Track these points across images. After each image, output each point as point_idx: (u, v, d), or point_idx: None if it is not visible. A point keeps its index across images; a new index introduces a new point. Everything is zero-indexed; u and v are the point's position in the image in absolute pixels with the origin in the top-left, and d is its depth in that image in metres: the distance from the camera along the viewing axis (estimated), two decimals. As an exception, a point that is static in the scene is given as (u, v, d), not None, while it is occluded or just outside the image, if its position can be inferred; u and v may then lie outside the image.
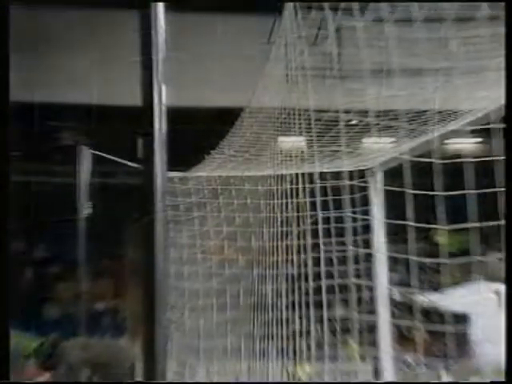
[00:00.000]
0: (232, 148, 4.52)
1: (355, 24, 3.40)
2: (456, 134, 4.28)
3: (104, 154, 6.39)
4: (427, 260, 3.43)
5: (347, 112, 3.33)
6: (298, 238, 4.13)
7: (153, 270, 2.03)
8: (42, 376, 9.20)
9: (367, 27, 3.46)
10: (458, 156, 3.62)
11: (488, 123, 3.50)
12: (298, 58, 3.50)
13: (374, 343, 5.26)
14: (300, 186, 3.87)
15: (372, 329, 5.14)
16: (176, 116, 2.48)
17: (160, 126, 2.03)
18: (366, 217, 4.61)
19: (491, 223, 3.00)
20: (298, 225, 4.19)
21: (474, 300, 5.61)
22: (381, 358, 5.16)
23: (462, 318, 5.74)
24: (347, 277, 4.20)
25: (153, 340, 2.05)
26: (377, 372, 5.97)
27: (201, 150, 5.18)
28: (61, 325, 14.10)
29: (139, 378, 2.61)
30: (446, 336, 3.73)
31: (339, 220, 4.11)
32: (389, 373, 4.99)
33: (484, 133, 3.80)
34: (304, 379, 6.64)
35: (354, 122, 3.79)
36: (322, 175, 3.85)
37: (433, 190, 3.13)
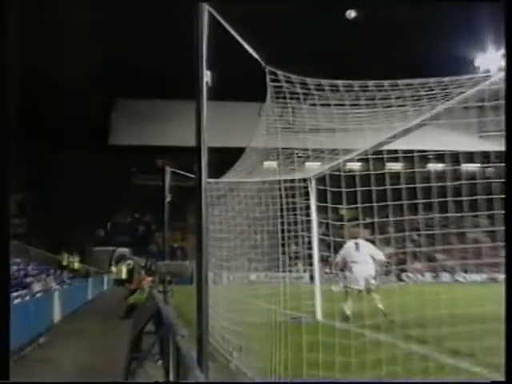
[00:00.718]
0: (240, 166, 8.06)
1: (302, 107, 6.77)
2: (351, 160, 8.01)
3: (178, 171, 11.91)
4: (336, 223, 6.95)
5: (302, 149, 6.70)
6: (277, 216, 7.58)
7: (200, 229, 4.07)
8: (147, 279, 14.60)
9: (307, 108, 6.82)
10: (352, 171, 7.10)
11: (367, 155, 7.06)
12: (272, 122, 6.79)
13: (310, 264, 9.04)
14: (275, 187, 7.34)
15: (310, 256, 8.89)
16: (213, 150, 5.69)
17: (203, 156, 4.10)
18: (306, 202, 8.32)
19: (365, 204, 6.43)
20: (276, 208, 7.60)
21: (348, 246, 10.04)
22: (314, 271, 9.14)
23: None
24: (297, 231, 7.83)
25: (201, 261, 4.02)
26: (312, 277, 10.15)
27: (225, 168, 8.98)
28: (155, 254, 32.34)
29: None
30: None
31: (294, 204, 7.67)
32: (317, 278, 8.99)
33: (363, 161, 7.42)
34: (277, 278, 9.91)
35: (300, 155, 7.16)
36: (286, 181, 7.39)
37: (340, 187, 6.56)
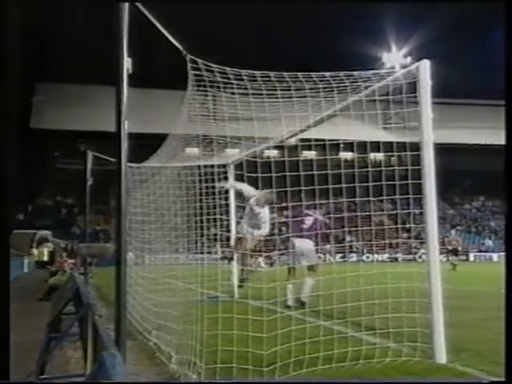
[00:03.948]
0: (162, 152, 7.90)
1: (221, 95, 6.74)
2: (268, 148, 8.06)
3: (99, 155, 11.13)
4: (254, 207, 7.01)
5: (222, 136, 6.67)
6: (196, 198, 7.53)
7: (120, 212, 3.95)
8: (68, 261, 13.97)
9: (226, 97, 6.79)
10: (268, 158, 7.16)
11: (282, 142, 7.14)
12: (193, 110, 6.73)
13: (228, 245, 9.03)
14: (196, 172, 7.28)
15: (228, 239, 8.89)
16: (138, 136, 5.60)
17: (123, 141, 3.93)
18: (223, 185, 8.33)
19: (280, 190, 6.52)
20: (196, 192, 7.53)
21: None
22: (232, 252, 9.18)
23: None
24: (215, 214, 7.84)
25: (120, 243, 3.89)
26: (226, 258, 10.04)
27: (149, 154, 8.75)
28: (78, 237, 32.15)
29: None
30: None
31: (214, 188, 7.65)
32: (234, 259, 9.06)
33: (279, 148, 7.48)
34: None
35: (220, 141, 7.15)
36: (207, 167, 7.33)
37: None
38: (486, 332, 7.36)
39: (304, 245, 9.64)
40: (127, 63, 4.01)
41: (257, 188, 6.12)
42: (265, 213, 9.26)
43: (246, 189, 9.13)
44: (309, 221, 9.81)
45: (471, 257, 49.22)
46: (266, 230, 9.47)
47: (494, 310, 9.30)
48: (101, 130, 39.09)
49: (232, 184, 9.24)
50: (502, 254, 51.43)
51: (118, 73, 3.95)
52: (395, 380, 4.92)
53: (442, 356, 5.61)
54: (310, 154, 6.67)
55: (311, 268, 9.67)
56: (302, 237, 9.43)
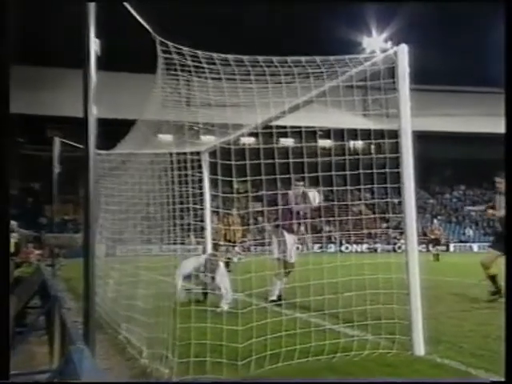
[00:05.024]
0: (132, 138, 7.85)
1: (193, 80, 6.70)
2: (242, 135, 8.07)
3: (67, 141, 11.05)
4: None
5: (195, 123, 6.63)
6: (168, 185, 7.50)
7: (88, 201, 3.91)
8: (35, 252, 13.67)
9: (199, 82, 6.76)
10: (243, 145, 7.16)
11: (257, 130, 7.14)
12: (164, 95, 6.65)
13: (202, 236, 9.04)
14: (168, 159, 7.23)
15: (202, 229, 8.89)
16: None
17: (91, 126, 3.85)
18: (199, 175, 8.28)
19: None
20: (169, 180, 7.49)
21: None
22: (206, 243, 9.14)
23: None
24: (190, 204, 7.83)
25: (88, 233, 3.93)
26: (204, 250, 10.03)
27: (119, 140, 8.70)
28: (45, 227, 31.92)
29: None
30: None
31: (187, 177, 7.62)
32: (209, 250, 8.99)
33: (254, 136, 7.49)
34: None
35: (193, 128, 7.10)
36: (180, 154, 7.29)
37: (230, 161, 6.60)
38: (465, 324, 7.50)
39: (291, 239, 9.53)
40: (95, 45, 3.96)
41: (231, 176, 6.09)
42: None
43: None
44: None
45: (451, 247, 50.02)
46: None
47: (474, 302, 9.52)
48: (68, 116, 38.61)
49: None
50: (483, 244, 52.46)
51: (85, 55, 3.90)
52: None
53: (420, 348, 5.71)
54: (286, 142, 6.68)
55: (291, 265, 9.51)
56: (291, 229, 9.33)
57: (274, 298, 9.10)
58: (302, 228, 9.41)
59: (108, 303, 7.63)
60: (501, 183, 10.02)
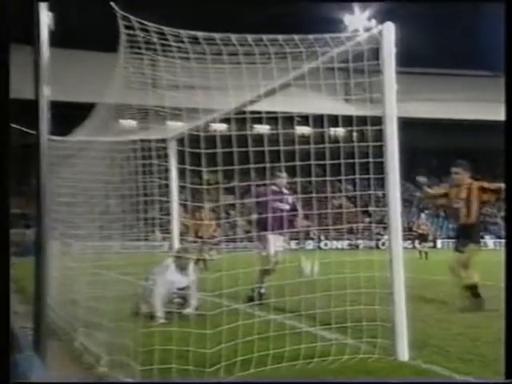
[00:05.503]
0: (91, 124, 7.75)
1: (159, 59, 6.62)
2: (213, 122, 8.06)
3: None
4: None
5: (161, 107, 6.56)
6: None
7: (39, 193, 4.35)
8: None
9: (165, 61, 6.67)
10: (214, 132, 7.12)
11: (229, 115, 7.12)
12: (127, 76, 6.55)
13: (168, 231, 9.04)
14: (131, 147, 7.17)
15: (168, 223, 8.87)
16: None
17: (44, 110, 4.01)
18: (165, 164, 8.24)
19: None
20: (132, 170, 7.43)
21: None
22: (173, 239, 9.12)
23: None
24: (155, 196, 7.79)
25: (40, 229, 4.60)
26: (170, 247, 9.93)
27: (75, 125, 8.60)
28: None
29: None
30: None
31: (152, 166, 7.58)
32: (176, 246, 9.05)
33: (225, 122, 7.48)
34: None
35: (162, 113, 7.00)
36: (144, 141, 7.24)
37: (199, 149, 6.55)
38: (453, 326, 7.58)
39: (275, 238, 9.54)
40: (47, 18, 3.89)
41: (200, 165, 6.05)
42: None
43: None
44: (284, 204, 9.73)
45: (439, 243, 50.66)
46: None
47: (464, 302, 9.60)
48: (16, 98, 37.91)
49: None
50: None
51: (36, 30, 3.83)
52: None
53: (404, 353, 5.73)
54: (261, 129, 6.66)
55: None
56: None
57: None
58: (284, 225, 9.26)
59: (62, 306, 7.53)
60: (458, 174, 9.44)
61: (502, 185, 7.97)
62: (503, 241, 56.30)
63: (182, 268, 8.14)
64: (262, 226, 9.11)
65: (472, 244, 9.14)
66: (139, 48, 5.78)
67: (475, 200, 9.07)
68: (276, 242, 9.64)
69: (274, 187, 9.79)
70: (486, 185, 9.25)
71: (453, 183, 9.66)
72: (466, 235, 9.23)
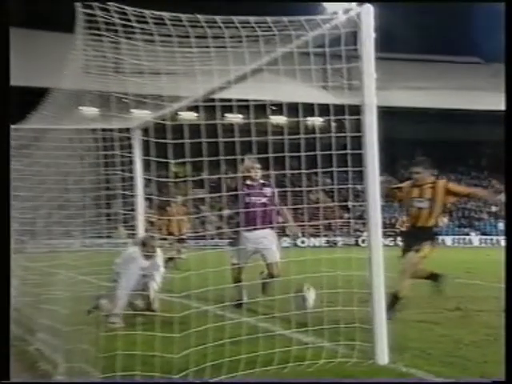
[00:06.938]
0: (47, 111, 7.66)
1: (121, 41, 6.58)
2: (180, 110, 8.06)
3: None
4: (165, 180, 6.96)
5: (122, 93, 6.51)
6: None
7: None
8: None
9: (128, 44, 6.62)
10: (182, 121, 7.11)
11: (197, 102, 7.11)
12: (86, 59, 6.50)
13: (134, 228, 9.01)
14: (92, 137, 7.13)
15: (133, 219, 8.86)
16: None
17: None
18: (129, 155, 8.21)
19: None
20: (93, 162, 7.39)
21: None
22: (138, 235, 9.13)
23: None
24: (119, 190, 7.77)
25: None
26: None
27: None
28: None
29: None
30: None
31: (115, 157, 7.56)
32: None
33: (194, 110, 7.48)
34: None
35: (126, 100, 6.96)
36: (106, 130, 7.21)
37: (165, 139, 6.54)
38: (436, 327, 7.69)
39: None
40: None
41: (167, 157, 6.04)
42: None
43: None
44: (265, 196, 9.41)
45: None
46: None
47: (447, 303, 9.74)
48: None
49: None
50: (458, 237, 53.88)
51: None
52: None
53: (383, 356, 5.78)
54: (232, 117, 6.67)
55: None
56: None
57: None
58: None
59: (16, 309, 7.47)
60: (418, 174, 8.80)
61: (479, 190, 7.75)
62: (489, 237, 56.64)
63: (148, 257, 8.02)
64: (236, 223, 9.05)
65: (428, 244, 8.65)
66: (99, 29, 5.71)
67: (439, 201, 8.61)
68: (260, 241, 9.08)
69: (249, 181, 9.47)
70: (455, 188, 9.03)
71: (414, 183, 8.90)
72: (421, 237, 8.66)
